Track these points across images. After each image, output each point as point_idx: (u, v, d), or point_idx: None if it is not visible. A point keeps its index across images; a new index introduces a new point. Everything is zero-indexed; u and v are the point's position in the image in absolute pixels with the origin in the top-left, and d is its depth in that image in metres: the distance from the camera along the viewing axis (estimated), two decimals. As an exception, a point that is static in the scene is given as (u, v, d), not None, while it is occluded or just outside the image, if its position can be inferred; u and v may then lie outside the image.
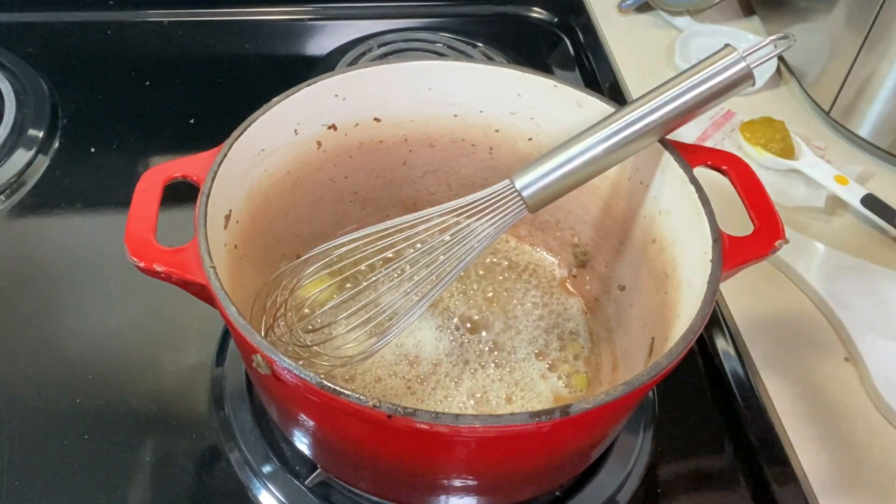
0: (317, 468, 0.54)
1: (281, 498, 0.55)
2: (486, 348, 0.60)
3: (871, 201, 0.72)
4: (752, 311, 0.66)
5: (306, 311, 0.59)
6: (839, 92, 0.80)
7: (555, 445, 0.46)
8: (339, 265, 0.56)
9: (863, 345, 0.62)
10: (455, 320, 0.62)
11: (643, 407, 0.60)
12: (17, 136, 0.77)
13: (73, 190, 0.74)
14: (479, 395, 0.57)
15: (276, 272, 0.56)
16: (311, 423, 0.48)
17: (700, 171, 0.51)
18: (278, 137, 0.55)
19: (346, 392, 0.39)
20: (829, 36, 0.82)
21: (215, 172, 0.49)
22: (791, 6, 0.90)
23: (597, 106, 0.55)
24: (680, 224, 0.52)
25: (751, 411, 0.60)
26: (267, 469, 0.56)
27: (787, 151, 0.76)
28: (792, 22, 0.89)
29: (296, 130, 0.56)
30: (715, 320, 0.65)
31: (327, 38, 0.95)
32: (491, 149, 0.62)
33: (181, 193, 0.51)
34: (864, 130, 0.79)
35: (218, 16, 0.95)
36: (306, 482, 0.55)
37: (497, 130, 0.60)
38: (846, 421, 0.59)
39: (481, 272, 0.65)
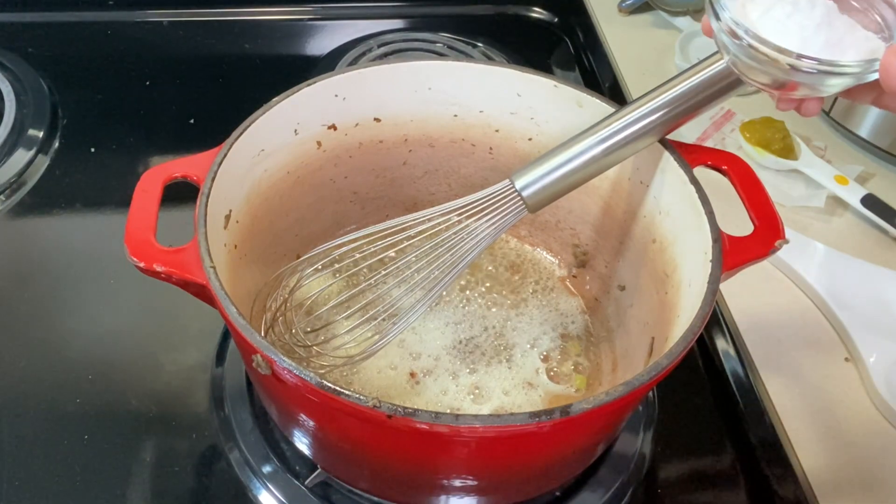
0: (317, 468, 0.54)
1: (281, 498, 0.55)
2: (486, 347, 0.60)
3: (871, 201, 0.72)
4: (752, 311, 0.66)
5: (306, 311, 0.59)
6: (839, 92, 0.80)
7: (555, 445, 0.46)
8: (339, 265, 0.56)
9: (863, 345, 0.62)
10: (455, 319, 0.62)
11: (643, 407, 0.60)
12: (17, 136, 0.77)
13: (73, 190, 0.74)
14: (477, 392, 0.57)
15: (276, 272, 0.56)
16: (311, 423, 0.48)
17: (700, 171, 0.51)
18: (278, 137, 0.55)
19: (346, 392, 0.39)
20: (829, 36, 0.81)
21: (215, 172, 0.49)
22: (791, 6, 0.90)
23: (597, 106, 0.55)
24: (680, 224, 0.51)
25: (751, 411, 0.60)
26: (267, 469, 0.56)
27: (787, 151, 0.76)
28: (792, 22, 0.89)
29: (296, 130, 0.56)
30: (715, 320, 0.65)
31: (327, 38, 0.95)
32: (491, 149, 0.62)
33: (181, 193, 0.51)
34: (864, 130, 0.79)
35: (218, 16, 0.95)
36: (306, 482, 0.55)
37: (497, 130, 0.60)
38: (846, 421, 0.59)
39: (481, 272, 0.65)
